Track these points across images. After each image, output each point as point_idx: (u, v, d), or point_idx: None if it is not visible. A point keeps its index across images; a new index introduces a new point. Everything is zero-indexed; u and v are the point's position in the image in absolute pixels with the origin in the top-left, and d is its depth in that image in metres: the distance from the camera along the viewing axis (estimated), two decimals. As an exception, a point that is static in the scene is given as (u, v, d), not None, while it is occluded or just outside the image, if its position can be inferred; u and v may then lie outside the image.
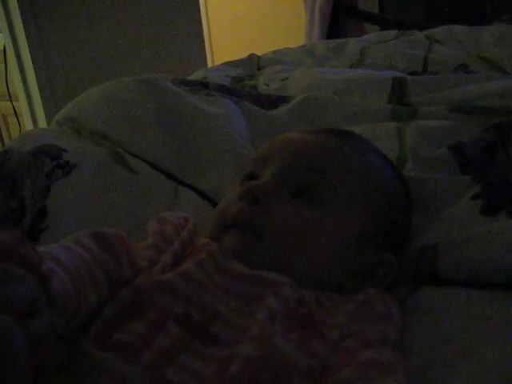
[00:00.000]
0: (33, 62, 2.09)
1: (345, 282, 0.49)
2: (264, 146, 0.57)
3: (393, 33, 1.41)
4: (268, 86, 1.05)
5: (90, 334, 0.41)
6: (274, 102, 0.87)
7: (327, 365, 0.41)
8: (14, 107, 2.42)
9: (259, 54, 1.38)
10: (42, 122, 2.11)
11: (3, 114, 2.70)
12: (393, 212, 0.53)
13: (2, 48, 2.20)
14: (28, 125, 2.19)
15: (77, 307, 0.38)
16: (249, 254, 0.47)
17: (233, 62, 1.32)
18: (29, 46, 2.07)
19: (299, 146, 0.53)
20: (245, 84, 1.07)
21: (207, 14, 2.98)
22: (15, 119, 2.44)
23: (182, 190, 0.67)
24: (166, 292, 0.43)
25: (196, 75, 1.18)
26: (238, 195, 0.49)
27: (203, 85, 0.91)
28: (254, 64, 1.29)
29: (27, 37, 2.06)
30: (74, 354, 0.39)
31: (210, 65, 2.55)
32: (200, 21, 2.36)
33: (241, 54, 1.39)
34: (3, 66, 2.29)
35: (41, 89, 2.14)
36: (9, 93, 2.40)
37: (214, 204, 0.64)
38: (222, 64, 1.32)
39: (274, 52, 1.40)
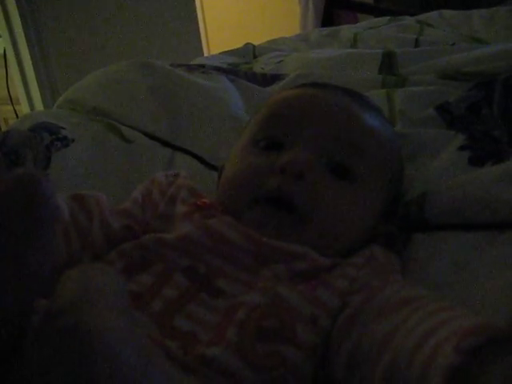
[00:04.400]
0: (33, 65, 2.10)
1: (357, 247, 0.49)
2: (280, 105, 0.53)
3: (385, 19, 1.44)
4: (264, 69, 1.07)
5: None
6: (268, 79, 0.89)
7: (346, 307, 0.42)
8: (15, 111, 2.44)
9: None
10: (44, 123, 2.12)
11: (4, 118, 2.72)
12: (401, 182, 0.56)
13: (2, 51, 2.22)
14: (30, 126, 2.21)
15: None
16: (286, 235, 0.45)
17: (229, 51, 1.34)
18: (29, 49, 2.08)
19: (334, 117, 0.50)
20: (241, 68, 1.09)
21: (202, 8, 3.01)
22: (17, 123, 2.45)
23: (178, 155, 0.69)
24: (171, 248, 0.45)
25: (193, 63, 1.20)
26: (279, 168, 0.46)
27: (200, 66, 0.93)
28: (249, 52, 1.31)
29: (27, 40, 2.08)
30: None
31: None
32: (195, 14, 2.38)
33: (236, 46, 1.41)
34: (4, 70, 2.32)
35: (42, 91, 2.15)
36: (10, 96, 2.42)
37: (211, 166, 0.66)
38: (218, 53, 1.34)
39: (270, 41, 1.43)
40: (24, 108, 2.26)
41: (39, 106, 2.18)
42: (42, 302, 0.23)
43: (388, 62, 0.84)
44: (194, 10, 2.40)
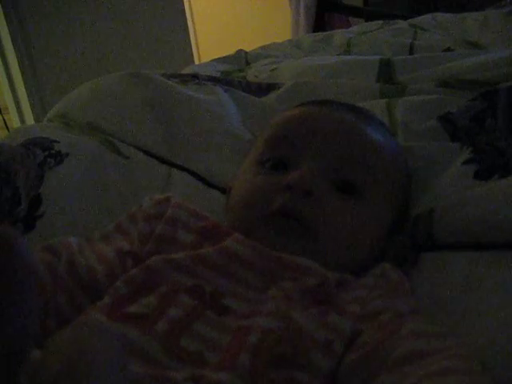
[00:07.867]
0: (22, 74, 2.09)
1: (367, 264, 0.50)
2: (285, 125, 0.54)
3: (378, 23, 1.43)
4: (257, 77, 1.06)
5: (102, 308, 0.42)
6: (264, 89, 0.88)
7: (357, 337, 0.41)
8: (4, 120, 2.41)
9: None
10: (33, 132, 2.10)
11: (-6, 128, 2.69)
12: (408, 195, 0.56)
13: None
14: (19, 136, 2.18)
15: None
16: (296, 246, 0.46)
17: (221, 58, 1.32)
18: (17, 58, 2.07)
19: (338, 135, 0.51)
20: (234, 76, 1.08)
21: (192, 15, 2.99)
22: (6, 132, 2.43)
23: (176, 172, 0.68)
24: (176, 269, 0.44)
25: (185, 71, 1.18)
26: (286, 185, 0.47)
27: (193, 76, 0.91)
28: (242, 59, 1.29)
29: (15, 48, 2.06)
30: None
31: (197, 63, 2.56)
32: (185, 20, 2.39)
33: (227, 52, 1.39)
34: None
35: (30, 100, 2.13)
36: (-2, 106, 2.39)
37: (208, 184, 0.65)
38: (210, 61, 1.33)
39: (262, 47, 1.41)
40: (13, 117, 2.24)
41: (28, 114, 2.16)
42: (32, 357, 0.21)
43: (385, 70, 0.83)
44: (184, 16, 2.39)
